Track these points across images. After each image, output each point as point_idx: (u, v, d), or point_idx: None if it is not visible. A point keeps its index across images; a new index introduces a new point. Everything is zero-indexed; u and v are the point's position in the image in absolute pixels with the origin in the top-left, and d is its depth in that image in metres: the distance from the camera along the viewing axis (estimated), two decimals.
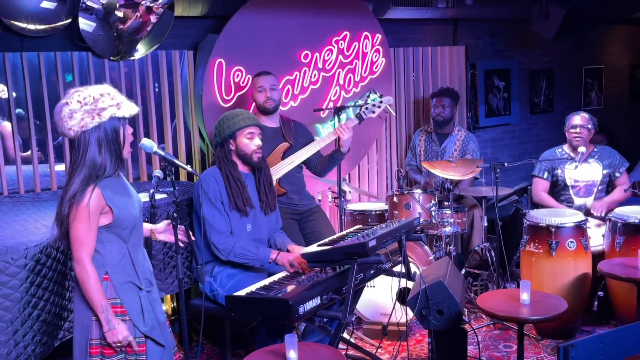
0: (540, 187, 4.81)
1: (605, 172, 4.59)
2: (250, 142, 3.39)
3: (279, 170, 3.96)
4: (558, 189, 4.69)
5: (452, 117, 5.28)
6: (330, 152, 4.09)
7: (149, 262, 2.62)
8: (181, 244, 2.69)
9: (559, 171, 4.67)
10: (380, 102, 4.08)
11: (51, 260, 2.67)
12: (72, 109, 2.34)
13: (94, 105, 2.34)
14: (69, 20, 3.91)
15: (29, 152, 4.07)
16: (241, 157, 3.42)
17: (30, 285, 2.55)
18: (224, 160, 3.40)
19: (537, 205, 4.80)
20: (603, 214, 4.44)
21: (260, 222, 3.50)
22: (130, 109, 2.43)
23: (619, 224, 4.01)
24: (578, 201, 4.60)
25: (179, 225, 2.67)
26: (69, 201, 2.34)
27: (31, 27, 3.80)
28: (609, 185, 4.73)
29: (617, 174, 4.62)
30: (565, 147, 4.72)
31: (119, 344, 2.40)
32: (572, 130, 4.61)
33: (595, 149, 4.68)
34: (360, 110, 4.07)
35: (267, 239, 3.56)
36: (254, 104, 4.61)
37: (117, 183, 2.46)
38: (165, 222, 2.79)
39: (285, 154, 4.04)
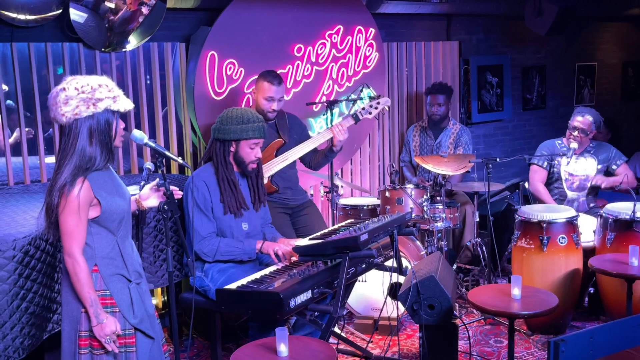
0: (537, 177, 4.76)
1: (599, 167, 4.57)
2: (252, 152, 3.34)
3: (272, 167, 3.91)
4: (552, 181, 4.69)
5: (448, 112, 5.28)
6: (323, 149, 4.07)
7: (137, 254, 2.60)
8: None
9: (556, 162, 4.66)
10: (378, 102, 4.06)
11: (40, 252, 2.64)
12: (69, 95, 2.32)
13: (91, 94, 2.33)
14: (60, 11, 3.87)
15: (15, 135, 4.02)
16: (237, 162, 3.37)
17: (19, 277, 2.52)
18: (222, 157, 3.33)
19: (528, 201, 4.80)
20: (603, 185, 4.49)
21: (254, 219, 3.48)
22: (125, 104, 2.43)
23: (610, 220, 4.02)
24: (570, 195, 4.59)
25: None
26: (59, 191, 2.31)
27: (21, 17, 3.76)
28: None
29: (615, 166, 4.58)
30: (565, 141, 4.69)
31: (108, 338, 2.38)
32: (571, 130, 4.59)
33: (591, 144, 4.65)
34: (357, 110, 4.03)
35: (262, 233, 3.55)
36: (246, 97, 4.60)
37: (105, 176, 2.44)
38: (148, 186, 2.71)
39: (279, 151, 4.00)
